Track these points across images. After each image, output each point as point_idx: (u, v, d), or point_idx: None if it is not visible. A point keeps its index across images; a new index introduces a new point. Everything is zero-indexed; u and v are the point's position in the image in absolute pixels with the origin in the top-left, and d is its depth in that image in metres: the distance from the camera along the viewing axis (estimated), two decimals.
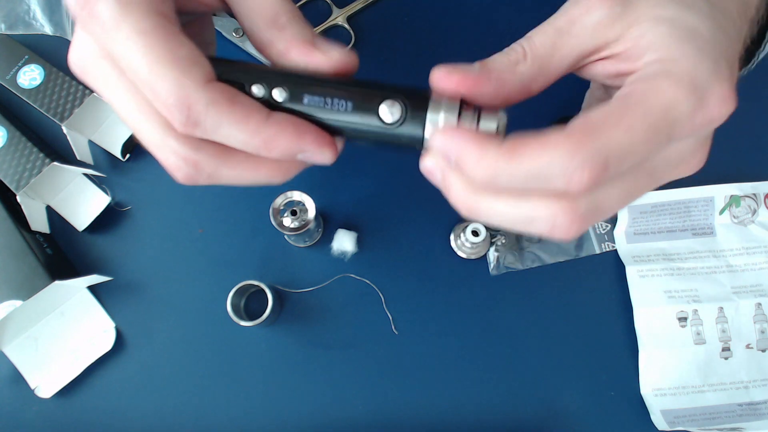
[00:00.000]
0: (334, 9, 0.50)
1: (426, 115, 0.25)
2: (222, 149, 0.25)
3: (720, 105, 0.23)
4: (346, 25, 0.50)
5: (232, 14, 0.29)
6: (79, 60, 0.26)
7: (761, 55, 0.34)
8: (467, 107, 0.25)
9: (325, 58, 0.26)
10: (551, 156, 0.22)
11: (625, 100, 0.23)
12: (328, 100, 0.26)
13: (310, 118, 0.26)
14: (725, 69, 0.24)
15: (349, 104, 0.25)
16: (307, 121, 0.26)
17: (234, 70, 0.26)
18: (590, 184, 0.22)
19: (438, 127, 0.25)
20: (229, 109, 0.24)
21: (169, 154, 0.25)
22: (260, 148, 0.25)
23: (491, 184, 0.23)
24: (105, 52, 0.25)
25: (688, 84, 0.22)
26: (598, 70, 0.27)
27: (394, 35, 0.50)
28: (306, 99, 0.26)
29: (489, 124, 0.25)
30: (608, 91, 0.31)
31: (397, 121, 0.25)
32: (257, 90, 0.26)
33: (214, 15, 0.37)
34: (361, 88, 0.26)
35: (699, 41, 0.24)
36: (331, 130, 0.26)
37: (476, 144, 0.23)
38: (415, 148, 0.26)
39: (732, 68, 0.25)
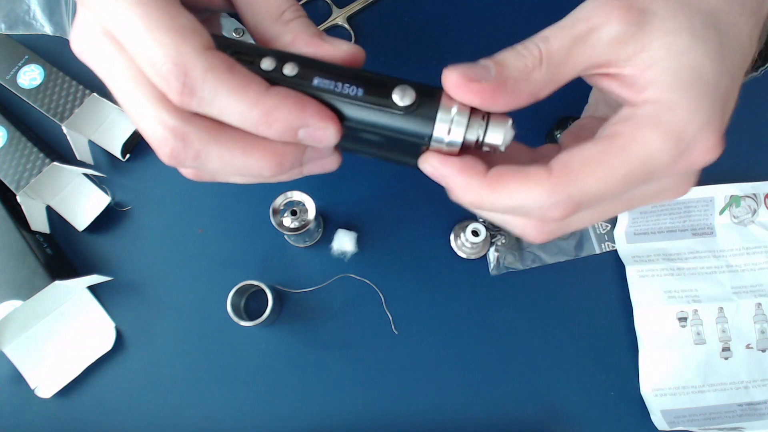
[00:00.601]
0: (334, 9, 0.50)
1: (438, 107, 0.25)
2: (214, 125, 0.24)
3: (704, 155, 0.25)
4: (346, 25, 0.50)
5: (232, 13, 0.29)
6: (79, 40, 0.26)
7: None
8: (476, 111, 0.25)
9: (334, 48, 0.26)
10: (529, 194, 0.24)
11: (609, 145, 0.24)
12: (339, 84, 0.25)
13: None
14: (718, 118, 0.24)
15: (360, 90, 0.25)
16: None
17: (242, 46, 0.25)
18: (562, 219, 0.25)
19: (447, 129, 0.25)
20: (228, 76, 0.23)
21: (157, 126, 0.24)
22: (259, 122, 0.23)
23: (477, 208, 0.26)
24: (104, 29, 0.24)
25: (675, 137, 0.24)
26: (602, 84, 0.27)
27: (394, 35, 0.50)
28: (316, 80, 0.25)
29: (495, 136, 0.25)
30: (607, 100, 0.32)
31: (409, 106, 0.25)
32: (267, 63, 0.24)
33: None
34: (372, 75, 0.25)
35: (701, 87, 0.24)
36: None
37: (462, 176, 0.25)
38: (418, 146, 0.26)
39: (727, 112, 0.25)
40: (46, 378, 0.43)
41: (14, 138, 0.45)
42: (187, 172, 0.27)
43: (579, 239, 0.47)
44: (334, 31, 0.50)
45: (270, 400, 0.43)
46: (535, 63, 0.25)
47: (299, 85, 0.25)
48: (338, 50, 0.26)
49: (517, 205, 0.24)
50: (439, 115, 0.25)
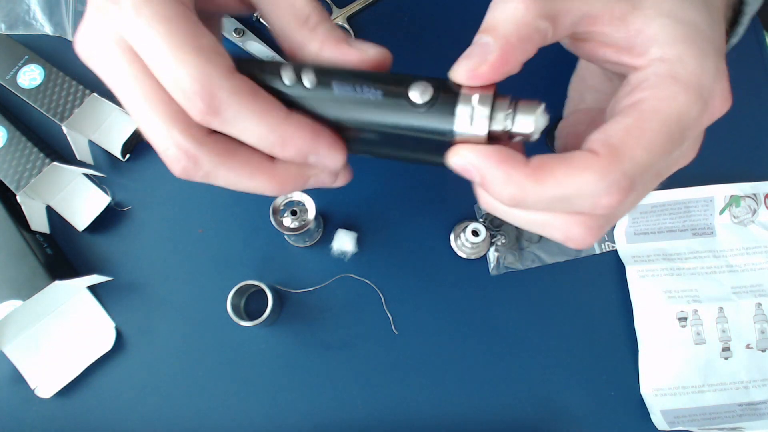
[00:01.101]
0: (334, 9, 0.50)
1: (457, 98, 0.24)
2: (225, 148, 0.25)
3: (722, 104, 0.24)
4: (346, 25, 0.50)
5: (247, 16, 0.28)
6: (87, 44, 0.25)
7: (734, 40, 0.35)
8: (502, 98, 0.24)
9: (361, 54, 0.26)
10: (580, 181, 0.22)
11: (641, 112, 0.23)
12: (358, 88, 0.25)
13: (333, 116, 0.25)
14: (723, 66, 0.24)
15: (379, 92, 0.25)
16: (328, 121, 0.25)
17: (260, 64, 0.25)
18: (618, 204, 0.23)
19: (469, 120, 0.24)
20: (252, 100, 0.23)
21: (171, 144, 0.24)
22: (275, 145, 0.24)
23: (517, 204, 0.24)
24: (118, 38, 0.24)
25: (696, 89, 0.23)
26: (597, 55, 0.26)
27: (394, 35, 0.50)
28: (335, 87, 0.25)
29: (526, 123, 0.24)
30: (608, 76, 0.31)
31: (427, 102, 0.24)
32: (287, 77, 0.25)
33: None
34: (389, 75, 0.25)
35: (700, 38, 0.24)
36: (352, 132, 0.26)
37: (501, 167, 0.23)
38: (442, 144, 0.25)
39: (724, 62, 0.25)
40: (46, 378, 0.43)
41: (14, 138, 0.45)
42: (179, 170, 0.27)
43: None
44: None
45: (270, 400, 0.43)
46: (529, 13, 0.23)
47: (319, 95, 0.25)
48: (366, 55, 0.26)
49: (569, 195, 0.23)
50: (459, 107, 0.24)
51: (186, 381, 0.44)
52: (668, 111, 0.23)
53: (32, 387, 0.43)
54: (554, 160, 0.23)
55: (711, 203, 0.46)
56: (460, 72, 0.24)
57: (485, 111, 0.24)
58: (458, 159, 0.24)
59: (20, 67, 0.47)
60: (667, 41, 0.24)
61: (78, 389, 0.44)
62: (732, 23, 0.33)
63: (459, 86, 0.24)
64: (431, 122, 0.24)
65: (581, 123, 0.30)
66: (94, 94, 0.46)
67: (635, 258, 0.46)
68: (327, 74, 0.25)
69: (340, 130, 0.26)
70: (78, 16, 0.49)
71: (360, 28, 0.50)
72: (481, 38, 0.24)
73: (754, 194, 0.46)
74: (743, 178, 0.47)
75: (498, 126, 0.24)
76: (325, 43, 0.26)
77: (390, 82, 0.25)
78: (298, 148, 0.24)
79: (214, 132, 0.25)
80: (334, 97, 0.25)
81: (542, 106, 0.24)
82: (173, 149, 0.24)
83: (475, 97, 0.24)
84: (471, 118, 0.24)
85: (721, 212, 0.46)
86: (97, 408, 0.43)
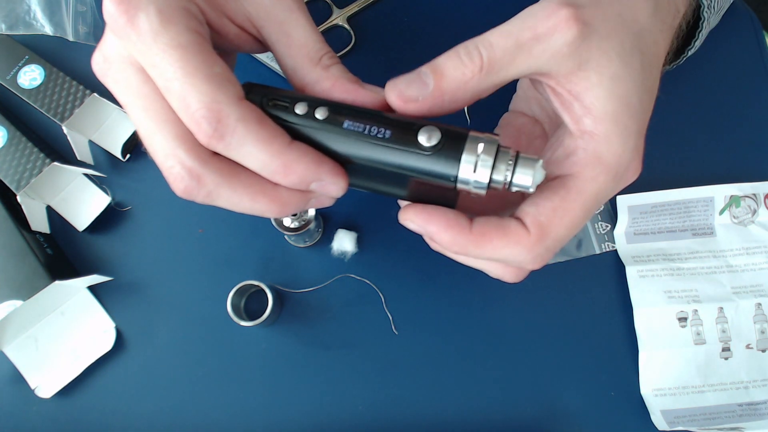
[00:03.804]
0: (334, 9, 0.50)
1: (463, 147, 0.25)
2: (228, 170, 0.25)
3: (633, 176, 0.29)
4: (346, 25, 0.50)
5: (262, 52, 0.30)
6: (103, 62, 0.27)
7: (690, 52, 0.41)
8: (504, 149, 0.26)
9: (373, 95, 0.27)
10: (512, 251, 0.27)
11: (567, 191, 0.27)
12: (368, 127, 0.26)
13: (340, 151, 0.26)
14: (641, 141, 0.28)
15: (388, 132, 0.25)
16: (333, 154, 0.26)
17: (275, 92, 0.26)
18: (539, 266, 0.29)
19: (473, 169, 0.25)
20: (257, 127, 0.24)
21: (175, 163, 0.25)
22: (277, 172, 0.25)
23: (459, 256, 0.30)
24: (132, 59, 0.25)
25: (615, 169, 0.27)
26: (545, 94, 0.29)
27: (394, 35, 0.50)
28: (346, 123, 0.26)
29: (524, 177, 0.26)
30: (542, 104, 0.35)
31: (434, 146, 0.25)
32: (300, 108, 0.26)
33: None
34: (400, 118, 0.26)
35: (628, 115, 0.27)
36: (355, 168, 0.26)
37: (448, 233, 0.27)
38: (443, 186, 0.26)
39: (645, 128, 0.29)
40: (46, 378, 0.43)
41: (14, 138, 0.45)
42: (182, 189, 0.28)
43: (579, 239, 0.47)
44: (334, 31, 0.50)
45: (270, 400, 0.43)
46: (475, 71, 0.26)
47: (330, 128, 0.26)
48: (377, 96, 0.28)
49: (501, 259, 0.28)
50: (465, 156, 0.25)
51: (186, 381, 0.44)
52: (590, 191, 0.27)
53: (32, 387, 0.43)
54: (493, 229, 0.27)
55: (711, 203, 0.46)
56: (392, 95, 0.26)
57: (489, 161, 0.25)
58: (410, 223, 0.28)
59: (20, 67, 0.47)
60: (599, 117, 0.27)
61: (78, 389, 0.44)
62: (687, 34, 0.38)
63: (466, 133, 0.25)
64: (437, 166, 0.25)
65: (519, 125, 0.35)
66: (95, 94, 0.46)
67: (635, 258, 0.46)
68: (340, 110, 0.26)
69: (343, 163, 0.26)
70: (78, 16, 0.49)
71: (360, 28, 0.50)
72: (425, 74, 0.26)
73: (754, 194, 0.46)
74: (743, 178, 0.47)
75: (499, 176, 0.25)
76: (338, 83, 0.27)
77: (400, 124, 0.26)
78: (300, 175, 0.25)
79: (219, 156, 0.25)
80: (344, 132, 0.26)
81: (540, 162, 0.26)
82: (178, 167, 0.25)
83: (480, 146, 0.25)
84: (475, 166, 0.25)
85: (721, 212, 0.46)
86: (97, 408, 0.43)
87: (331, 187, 0.26)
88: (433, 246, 0.30)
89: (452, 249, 0.28)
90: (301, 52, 0.28)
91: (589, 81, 0.27)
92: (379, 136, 0.25)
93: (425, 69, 0.26)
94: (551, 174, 0.29)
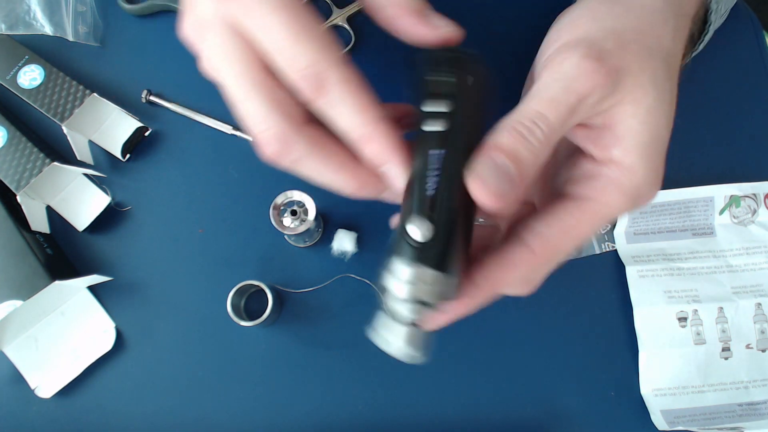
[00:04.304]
0: (334, 9, 0.50)
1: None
2: (319, 139, 0.26)
3: (647, 201, 0.29)
4: (346, 25, 0.50)
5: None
6: (199, 27, 0.27)
7: (701, 46, 0.40)
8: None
9: (433, 32, 0.28)
10: (518, 274, 0.28)
11: (582, 212, 0.28)
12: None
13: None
14: (662, 171, 0.29)
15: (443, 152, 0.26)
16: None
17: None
18: (545, 279, 0.29)
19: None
20: (357, 91, 0.25)
21: (269, 127, 0.26)
22: (362, 137, 0.26)
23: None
24: (232, 22, 0.26)
25: (633, 197, 0.28)
26: (571, 133, 0.29)
27: (394, 36, 0.50)
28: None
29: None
30: None
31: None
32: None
33: None
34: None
35: (656, 148, 0.28)
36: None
37: (463, 307, 0.29)
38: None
39: (663, 167, 0.29)
40: (46, 378, 0.43)
41: (14, 138, 0.45)
42: (270, 153, 0.27)
43: None
44: (335, 31, 0.50)
45: (270, 400, 0.43)
46: (543, 146, 0.26)
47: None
48: (437, 33, 0.28)
49: (512, 287, 0.29)
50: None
51: (186, 381, 0.44)
52: (604, 214, 0.28)
53: (32, 387, 0.43)
54: (496, 265, 0.28)
55: (711, 203, 0.46)
56: (481, 194, 0.25)
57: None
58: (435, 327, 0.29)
59: (20, 68, 0.47)
60: (629, 148, 0.27)
61: (78, 389, 0.44)
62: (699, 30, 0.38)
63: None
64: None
65: None
66: (95, 94, 0.46)
67: (635, 258, 0.46)
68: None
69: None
70: (78, 16, 0.49)
71: (360, 28, 0.50)
72: (502, 161, 0.25)
73: (754, 194, 0.46)
74: (743, 178, 0.47)
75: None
76: (403, 12, 0.28)
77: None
78: (377, 151, 0.26)
79: (310, 124, 0.26)
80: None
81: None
82: (272, 131, 0.26)
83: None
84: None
85: (721, 212, 0.46)
86: (97, 408, 0.43)
87: (394, 176, 0.27)
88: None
89: (472, 311, 0.29)
90: None
91: (625, 113, 0.27)
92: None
93: (499, 157, 0.25)
94: (564, 192, 0.29)
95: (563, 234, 0.28)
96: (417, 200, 0.25)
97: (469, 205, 0.25)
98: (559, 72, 0.27)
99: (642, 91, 0.27)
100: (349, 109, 0.25)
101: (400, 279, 0.25)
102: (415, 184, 0.25)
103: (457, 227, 0.25)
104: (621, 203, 0.28)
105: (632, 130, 0.27)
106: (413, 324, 0.26)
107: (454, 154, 0.25)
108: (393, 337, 0.26)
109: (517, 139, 0.25)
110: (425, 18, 0.28)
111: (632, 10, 0.30)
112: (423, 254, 0.24)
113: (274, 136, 0.26)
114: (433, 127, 0.26)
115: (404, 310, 0.26)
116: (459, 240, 0.25)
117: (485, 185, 0.25)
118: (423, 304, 0.25)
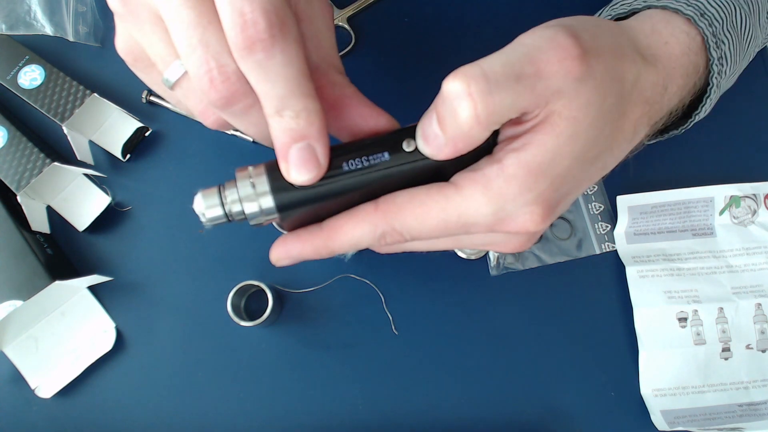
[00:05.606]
0: (335, 9, 0.50)
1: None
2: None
3: (524, 225, 0.27)
4: (346, 26, 0.50)
5: None
6: None
7: (699, 117, 0.37)
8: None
9: (386, 119, 0.28)
10: (360, 230, 0.27)
11: (437, 192, 0.27)
12: (367, 158, 0.27)
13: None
14: (548, 201, 0.26)
15: (386, 153, 0.26)
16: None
17: None
18: (390, 249, 0.30)
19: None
20: (299, 49, 0.24)
21: (226, 63, 0.23)
22: (289, 102, 0.24)
23: (321, 257, 0.29)
24: None
25: (496, 205, 0.26)
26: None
27: (394, 35, 0.50)
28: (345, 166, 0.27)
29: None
30: None
31: (414, 149, 0.26)
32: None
33: None
34: (386, 136, 0.27)
35: (546, 177, 0.26)
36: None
37: (304, 247, 0.29)
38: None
39: (573, 194, 0.28)
40: (46, 378, 0.43)
41: (15, 138, 0.45)
42: (215, 96, 0.25)
43: (579, 239, 0.47)
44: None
45: (270, 400, 0.43)
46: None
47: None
48: (389, 121, 0.28)
49: (355, 242, 0.28)
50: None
51: (186, 381, 0.44)
52: (455, 206, 0.26)
53: (32, 387, 0.43)
54: (343, 216, 0.28)
55: (711, 203, 0.46)
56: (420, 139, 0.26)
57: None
58: (282, 261, 0.30)
59: (21, 68, 0.47)
60: (520, 164, 0.25)
61: (78, 389, 0.44)
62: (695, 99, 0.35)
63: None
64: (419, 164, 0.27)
65: None
66: (95, 94, 0.46)
67: (635, 258, 0.46)
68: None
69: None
70: (78, 16, 0.50)
71: (360, 28, 0.50)
72: (434, 127, 0.25)
73: (754, 194, 0.46)
74: (743, 178, 0.47)
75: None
76: (354, 99, 0.28)
77: (392, 140, 0.27)
78: (308, 112, 0.25)
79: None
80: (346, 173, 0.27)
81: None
82: (230, 67, 0.23)
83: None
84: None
85: (721, 213, 0.46)
86: (97, 408, 0.43)
87: (318, 146, 0.25)
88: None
89: (313, 257, 0.29)
90: (331, 53, 0.28)
91: (551, 125, 0.25)
92: (381, 160, 0.26)
93: (429, 117, 0.26)
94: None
95: (411, 204, 0.27)
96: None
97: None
98: (527, 39, 0.26)
99: (584, 114, 0.25)
100: (287, 68, 0.23)
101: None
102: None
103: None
104: (479, 204, 0.26)
105: (534, 152, 0.25)
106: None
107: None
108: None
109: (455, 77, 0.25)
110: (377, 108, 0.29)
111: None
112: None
113: (234, 73, 0.23)
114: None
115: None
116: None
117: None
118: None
